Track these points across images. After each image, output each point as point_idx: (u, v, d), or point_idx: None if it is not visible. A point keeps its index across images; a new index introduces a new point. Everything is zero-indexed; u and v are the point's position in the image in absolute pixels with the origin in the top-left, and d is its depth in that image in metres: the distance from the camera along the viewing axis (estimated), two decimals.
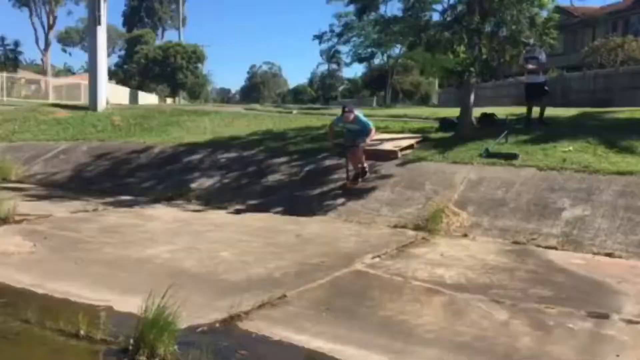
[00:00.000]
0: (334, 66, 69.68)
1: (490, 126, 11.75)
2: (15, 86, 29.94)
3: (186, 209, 9.23)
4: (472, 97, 11.89)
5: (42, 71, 42.64)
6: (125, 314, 4.27)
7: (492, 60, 11.63)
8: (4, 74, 29.40)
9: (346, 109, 9.50)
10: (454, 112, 13.74)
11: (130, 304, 4.27)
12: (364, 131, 9.36)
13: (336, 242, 7.06)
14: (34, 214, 8.23)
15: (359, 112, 9.59)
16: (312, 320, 4.38)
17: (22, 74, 36.43)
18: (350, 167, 9.39)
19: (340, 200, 8.88)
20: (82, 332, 3.90)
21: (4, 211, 7.77)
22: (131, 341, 3.66)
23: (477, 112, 12.52)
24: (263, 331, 4.13)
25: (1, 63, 39.18)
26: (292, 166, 10.64)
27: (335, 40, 42.88)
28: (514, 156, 9.27)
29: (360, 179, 9.30)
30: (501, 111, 13.54)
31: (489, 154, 9.52)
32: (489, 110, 13.27)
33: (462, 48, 11.20)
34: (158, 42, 54.64)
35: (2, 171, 10.46)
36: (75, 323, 3.95)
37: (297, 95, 71.71)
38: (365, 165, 9.39)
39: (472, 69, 11.23)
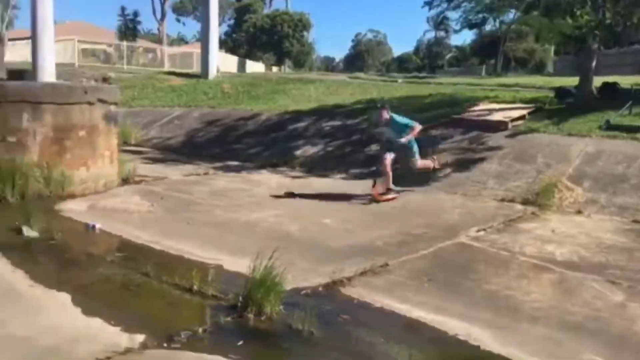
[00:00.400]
0: (442, 33, 67.60)
1: (612, 96, 10.92)
2: (134, 55, 31.71)
3: (290, 176, 9.44)
4: (593, 64, 11.09)
5: (158, 40, 44.80)
6: (234, 273, 4.47)
7: (616, 25, 10.75)
8: (125, 43, 31.23)
9: (378, 105, 8.18)
10: (571, 81, 12.91)
11: (239, 264, 4.46)
12: (404, 135, 7.76)
13: (440, 213, 6.94)
14: (151, 175, 8.78)
15: (395, 114, 7.92)
16: (413, 290, 4.36)
17: (140, 43, 38.51)
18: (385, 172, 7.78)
19: (445, 172, 8.68)
20: (195, 288, 4.14)
21: (126, 172, 8.35)
22: (240, 298, 3.83)
23: (597, 81, 11.68)
24: (365, 298, 4.17)
25: (122, 33, 41.63)
26: None
27: (444, 6, 41.39)
28: (638, 129, 8.59)
29: (390, 194, 7.70)
30: (625, 80, 12.53)
31: (609, 126, 8.89)
32: (610, 79, 12.33)
33: (585, 10, 10.42)
34: (266, 11, 55.57)
35: (123, 135, 11.19)
36: (189, 279, 4.19)
37: (401, 64, 70.39)
38: (432, 162, 8.36)
39: (596, 32, 10.43)
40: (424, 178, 8.52)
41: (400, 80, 20.77)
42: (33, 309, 3.83)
